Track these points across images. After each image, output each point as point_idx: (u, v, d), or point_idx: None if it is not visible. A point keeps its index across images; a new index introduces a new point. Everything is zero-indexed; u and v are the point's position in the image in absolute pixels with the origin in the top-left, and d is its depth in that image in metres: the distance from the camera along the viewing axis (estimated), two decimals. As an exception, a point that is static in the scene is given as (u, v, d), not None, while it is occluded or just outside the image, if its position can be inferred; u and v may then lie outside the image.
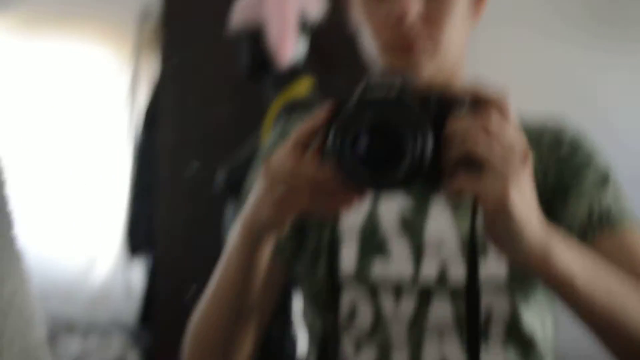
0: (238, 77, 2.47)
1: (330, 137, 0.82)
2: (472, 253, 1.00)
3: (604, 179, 1.10)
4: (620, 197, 1.09)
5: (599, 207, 1.07)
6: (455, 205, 1.10)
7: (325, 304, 1.10)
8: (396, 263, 1.10)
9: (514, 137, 0.81)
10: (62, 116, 3.64)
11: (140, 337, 3.18)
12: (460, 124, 0.82)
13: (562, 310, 1.00)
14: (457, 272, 1.08)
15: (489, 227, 0.85)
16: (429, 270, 1.09)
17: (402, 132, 0.80)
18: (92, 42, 3.67)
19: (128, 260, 3.25)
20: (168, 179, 2.93)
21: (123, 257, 3.28)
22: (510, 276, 1.06)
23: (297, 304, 2.25)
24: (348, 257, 1.10)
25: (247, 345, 1.12)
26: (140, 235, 3.13)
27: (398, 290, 1.09)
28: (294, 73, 2.30)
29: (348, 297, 1.10)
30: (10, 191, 0.74)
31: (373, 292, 1.10)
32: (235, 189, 2.26)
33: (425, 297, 1.09)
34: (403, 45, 1.05)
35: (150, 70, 3.47)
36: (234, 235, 1.03)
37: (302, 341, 2.24)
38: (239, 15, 2.31)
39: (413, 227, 1.11)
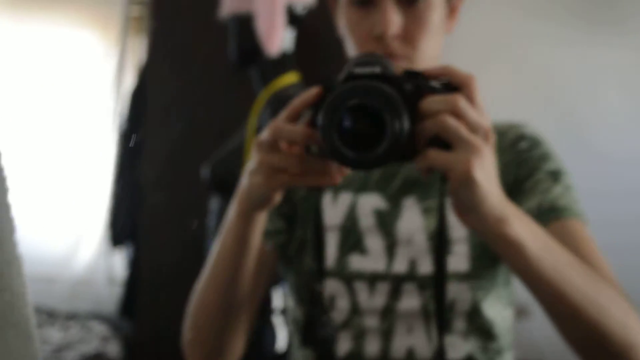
0: (227, 65, 2.47)
1: (318, 117, 0.89)
2: (440, 245, 1.11)
3: (556, 175, 1.22)
4: (569, 193, 1.21)
5: (549, 199, 1.19)
6: (424, 207, 1.25)
7: (308, 296, 1.20)
8: (371, 258, 1.24)
9: (479, 117, 0.90)
10: (47, 100, 3.62)
11: (121, 327, 3.18)
12: (432, 104, 0.90)
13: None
14: (425, 266, 1.23)
15: (455, 198, 0.93)
16: (400, 265, 1.24)
17: (382, 114, 0.86)
18: (78, 25, 3.66)
19: (109, 250, 3.25)
20: (153, 169, 2.92)
21: (104, 246, 3.28)
22: (472, 271, 1.22)
23: (277, 297, 2.27)
24: (329, 252, 1.24)
25: (241, 327, 1.23)
26: (123, 225, 3.13)
27: (372, 283, 1.24)
28: (282, 63, 2.31)
29: (328, 290, 1.24)
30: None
31: (350, 284, 1.24)
32: (220, 182, 2.27)
33: (396, 289, 1.23)
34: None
35: (137, 54, 3.47)
36: (229, 213, 1.11)
37: (282, 333, 2.26)
38: (228, 3, 2.32)
39: (386, 225, 1.25)
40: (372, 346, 1.24)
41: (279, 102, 2.18)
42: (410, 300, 1.23)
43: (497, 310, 1.26)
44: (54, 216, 3.56)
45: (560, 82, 3.59)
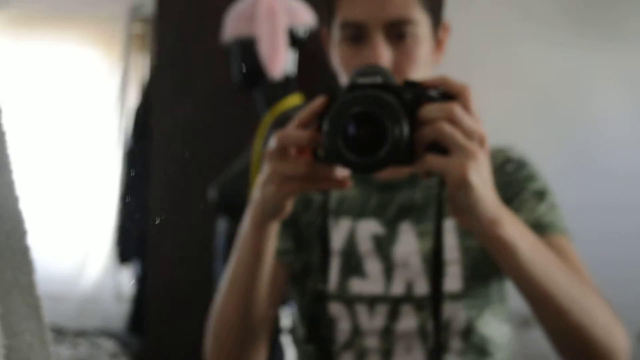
0: (231, 86, 2.53)
1: (323, 125, 0.97)
2: (437, 263, 1.20)
3: (541, 195, 1.31)
4: (554, 210, 1.30)
5: (534, 216, 1.27)
6: (419, 231, 1.32)
7: (312, 317, 1.33)
8: (370, 281, 1.31)
9: (474, 124, 0.98)
10: (52, 118, 3.68)
11: (130, 344, 3.24)
12: (430, 111, 0.98)
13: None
14: (421, 288, 1.30)
15: (452, 200, 1.01)
16: (398, 287, 1.31)
17: (383, 121, 0.95)
18: (82, 42, 3.73)
19: (117, 267, 3.32)
20: (161, 187, 2.98)
21: (112, 263, 3.35)
22: (465, 291, 1.30)
23: (285, 316, 2.33)
24: (331, 276, 1.31)
25: (261, 341, 1.29)
26: (130, 242, 3.20)
27: (371, 305, 1.31)
28: (285, 85, 2.38)
29: (330, 312, 1.31)
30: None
31: (351, 307, 1.31)
32: (227, 204, 2.34)
33: (394, 310, 1.31)
34: None
35: (140, 71, 3.54)
36: (243, 225, 1.19)
37: (289, 352, 2.32)
38: (230, 27, 2.38)
39: (384, 250, 1.32)
40: None
41: (283, 124, 2.24)
42: (408, 321, 1.30)
43: (492, 327, 1.33)
44: (60, 234, 3.62)
45: (555, 85, 3.65)
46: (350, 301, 1.31)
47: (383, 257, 1.32)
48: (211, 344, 1.30)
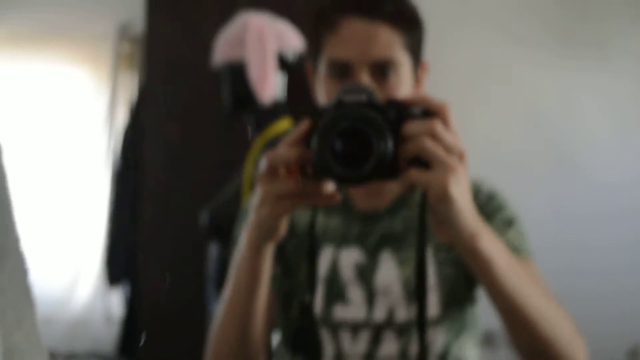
0: (221, 106, 2.56)
1: (312, 142, 1.02)
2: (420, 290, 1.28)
3: (509, 222, 1.39)
4: (521, 236, 1.38)
5: (503, 241, 1.27)
6: (400, 259, 1.39)
7: (297, 342, 1.38)
8: (353, 308, 1.38)
9: (454, 140, 1.04)
10: (40, 136, 3.70)
11: (120, 366, 3.26)
12: (412, 128, 1.03)
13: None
14: (402, 314, 1.37)
15: (433, 213, 1.07)
16: (379, 313, 1.37)
17: (369, 136, 1.00)
18: (71, 61, 3.75)
19: (106, 289, 3.33)
20: (151, 212, 3.00)
21: (101, 285, 3.37)
22: (443, 316, 1.38)
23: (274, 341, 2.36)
24: (315, 302, 1.35)
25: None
26: (120, 264, 3.21)
27: (355, 330, 1.38)
28: (275, 109, 2.40)
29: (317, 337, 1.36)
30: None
31: (334, 331, 1.38)
32: (219, 229, 2.36)
33: (376, 336, 1.38)
34: None
35: (128, 90, 3.56)
36: (240, 247, 1.22)
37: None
38: (220, 51, 2.41)
39: (365, 277, 1.39)
40: None
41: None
42: (390, 346, 1.37)
43: (467, 349, 1.43)
44: (50, 257, 3.64)
45: (542, 103, 3.71)
46: (334, 327, 1.38)
47: (365, 285, 1.38)
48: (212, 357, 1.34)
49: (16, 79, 3.76)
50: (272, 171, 1.07)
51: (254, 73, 2.33)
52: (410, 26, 1.38)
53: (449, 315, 1.39)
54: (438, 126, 1.02)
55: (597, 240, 3.61)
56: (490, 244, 1.11)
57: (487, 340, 1.68)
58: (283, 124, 2.39)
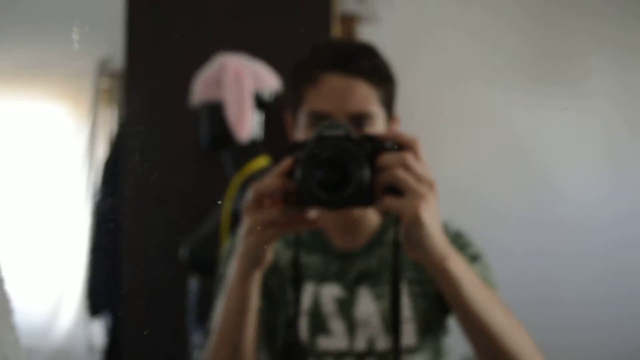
0: (200, 143, 2.66)
1: (296, 171, 1.15)
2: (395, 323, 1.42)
3: (476, 257, 1.53)
4: (487, 270, 1.53)
5: None
6: (377, 294, 1.52)
7: None
8: (335, 338, 1.50)
9: (424, 170, 1.18)
10: (19, 174, 3.75)
11: (102, 396, 3.33)
12: (386, 159, 1.17)
13: None
14: (381, 343, 1.50)
15: (406, 236, 1.19)
16: (360, 343, 1.50)
17: (347, 166, 1.14)
18: (49, 97, 3.81)
19: (88, 319, 3.40)
20: (131, 245, 3.08)
21: (83, 315, 3.43)
22: (419, 345, 1.51)
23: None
24: (300, 334, 1.48)
25: None
26: (101, 295, 3.29)
27: (338, 359, 1.49)
28: (252, 148, 2.51)
29: None
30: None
31: None
32: (199, 264, 2.47)
33: None
34: None
35: (108, 125, 3.64)
36: (229, 277, 1.34)
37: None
38: (198, 91, 2.52)
39: (346, 311, 1.52)
40: None
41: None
42: None
43: None
44: (31, 287, 3.69)
45: (515, 140, 3.83)
46: (318, 356, 1.49)
47: (346, 317, 1.51)
48: None
49: None
50: (258, 202, 1.21)
51: (231, 113, 2.44)
52: (385, 82, 1.52)
53: (425, 343, 1.52)
54: (409, 158, 1.17)
55: (575, 276, 3.77)
56: (457, 265, 1.25)
57: None
58: (260, 162, 2.50)
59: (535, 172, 3.84)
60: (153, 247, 3.00)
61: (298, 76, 1.54)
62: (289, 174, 1.18)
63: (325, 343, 1.51)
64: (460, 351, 1.57)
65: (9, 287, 0.90)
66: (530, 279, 3.65)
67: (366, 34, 3.57)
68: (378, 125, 1.48)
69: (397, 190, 1.17)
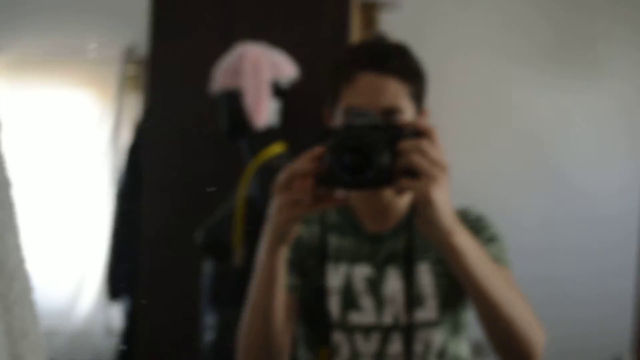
0: (218, 134, 2.72)
1: (326, 156, 1.30)
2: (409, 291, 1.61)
3: (492, 238, 1.68)
4: (502, 250, 1.67)
5: (487, 253, 1.54)
6: (403, 273, 1.67)
7: (316, 344, 1.67)
8: (365, 314, 1.67)
9: (438, 155, 1.31)
10: (45, 159, 3.83)
11: (121, 377, 3.40)
12: (405, 146, 1.31)
13: None
14: (405, 319, 1.65)
15: (420, 214, 1.33)
16: (387, 318, 1.66)
17: (369, 152, 1.29)
18: (76, 85, 3.90)
19: (107, 303, 3.48)
20: (151, 229, 3.15)
21: (103, 298, 3.51)
22: (440, 319, 1.67)
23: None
24: (333, 308, 1.67)
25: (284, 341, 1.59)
26: (120, 280, 3.37)
27: (367, 332, 1.67)
28: (268, 135, 2.58)
29: (332, 338, 1.66)
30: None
31: (350, 334, 1.67)
32: (212, 247, 2.54)
33: (385, 337, 1.66)
34: None
35: (133, 112, 3.71)
36: (259, 254, 1.47)
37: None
38: (218, 80, 2.59)
39: (375, 289, 1.67)
40: None
41: (266, 172, 2.45)
42: (396, 345, 1.65)
43: (460, 347, 1.72)
44: (53, 270, 3.76)
45: (537, 123, 3.86)
46: (349, 330, 1.66)
47: (375, 295, 1.67)
48: (242, 354, 1.59)
49: (24, 104, 3.88)
50: (289, 182, 1.33)
51: (249, 100, 2.51)
52: (415, 78, 1.67)
53: (446, 318, 1.67)
54: (425, 144, 1.30)
55: (583, 246, 3.81)
56: (463, 240, 1.37)
57: (477, 351, 1.95)
58: (276, 148, 2.56)
59: (556, 154, 3.88)
60: (171, 231, 3.07)
61: (335, 75, 1.69)
62: (319, 158, 1.31)
63: (355, 318, 1.66)
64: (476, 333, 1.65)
65: (30, 269, 0.93)
66: (542, 249, 3.71)
67: (386, 21, 3.63)
68: (407, 118, 1.63)
69: (413, 172, 1.30)
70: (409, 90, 1.64)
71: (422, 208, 1.32)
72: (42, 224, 3.79)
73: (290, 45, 2.78)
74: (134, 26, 3.49)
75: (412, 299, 1.60)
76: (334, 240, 1.71)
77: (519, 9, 3.94)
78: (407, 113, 1.63)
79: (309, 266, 1.69)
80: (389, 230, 1.71)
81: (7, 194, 0.89)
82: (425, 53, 1.78)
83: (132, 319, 3.35)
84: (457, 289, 1.61)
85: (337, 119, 1.65)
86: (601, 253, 3.83)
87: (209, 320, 2.57)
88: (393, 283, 1.67)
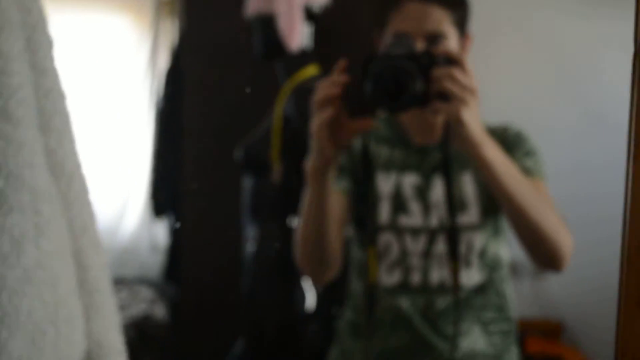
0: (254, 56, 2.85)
1: (367, 82, 1.51)
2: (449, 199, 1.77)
3: (529, 152, 1.86)
4: (538, 163, 1.85)
5: (523, 166, 1.80)
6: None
7: (368, 241, 1.87)
8: (413, 217, 1.87)
9: (467, 80, 1.54)
10: (84, 84, 3.95)
11: (166, 291, 3.56)
12: (438, 72, 1.53)
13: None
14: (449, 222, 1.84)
15: (454, 132, 1.57)
16: (433, 221, 1.87)
17: (406, 79, 1.50)
18: (113, 10, 4.00)
19: (152, 220, 3.63)
20: (192, 149, 3.30)
21: (148, 216, 3.65)
22: (481, 223, 1.86)
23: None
24: (384, 212, 1.87)
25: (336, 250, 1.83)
26: (164, 197, 3.52)
27: (415, 234, 1.86)
28: (302, 57, 2.73)
29: (384, 238, 1.88)
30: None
31: (399, 235, 1.87)
32: (252, 163, 2.72)
33: (431, 238, 1.87)
34: None
35: (169, 36, 3.82)
36: (306, 173, 1.70)
37: (310, 295, 2.71)
38: (252, 4, 2.72)
39: (422, 195, 1.88)
40: (416, 278, 1.87)
41: (301, 92, 2.61)
42: (441, 245, 1.85)
43: (499, 248, 1.91)
44: (99, 191, 3.91)
45: (566, 51, 3.91)
46: (399, 231, 1.86)
47: (422, 200, 1.88)
48: (299, 258, 1.84)
49: (61, 30, 3.99)
50: (325, 100, 1.57)
51: (282, 24, 2.65)
52: (457, 5, 1.85)
53: (487, 222, 1.87)
54: (456, 71, 1.53)
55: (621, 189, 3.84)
56: (491, 152, 1.59)
57: (513, 270, 2.13)
58: (310, 70, 2.71)
59: (584, 81, 3.92)
60: (212, 149, 3.21)
61: (384, 3, 1.86)
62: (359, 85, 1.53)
63: (404, 220, 1.86)
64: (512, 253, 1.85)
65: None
66: (575, 194, 3.77)
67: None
68: (451, 42, 1.80)
69: (445, 96, 1.52)
70: (452, 17, 1.81)
71: (454, 126, 1.55)
72: (85, 145, 3.93)
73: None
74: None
75: (454, 205, 1.77)
76: (385, 151, 1.90)
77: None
78: (451, 38, 1.80)
79: (359, 173, 1.88)
80: (435, 144, 1.89)
81: (63, 104, 0.98)
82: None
83: (176, 234, 3.51)
84: None
85: (385, 44, 1.81)
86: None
87: (250, 233, 2.76)
88: (438, 190, 1.87)
